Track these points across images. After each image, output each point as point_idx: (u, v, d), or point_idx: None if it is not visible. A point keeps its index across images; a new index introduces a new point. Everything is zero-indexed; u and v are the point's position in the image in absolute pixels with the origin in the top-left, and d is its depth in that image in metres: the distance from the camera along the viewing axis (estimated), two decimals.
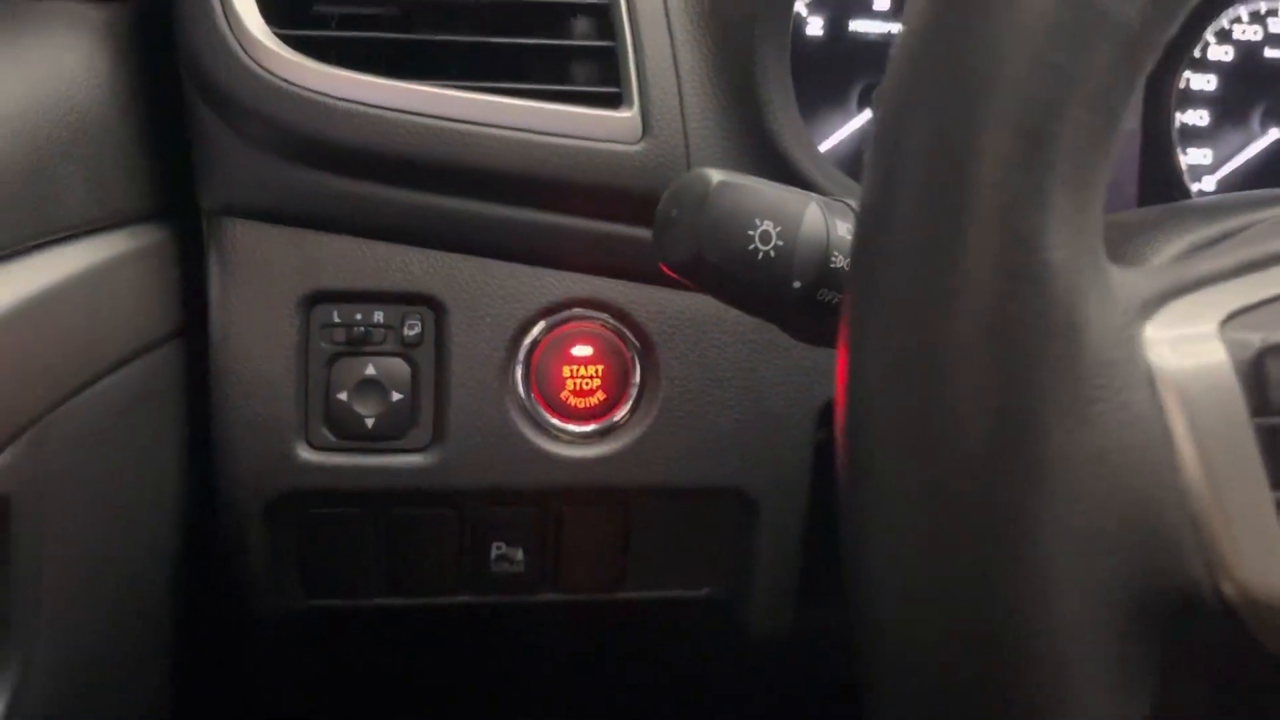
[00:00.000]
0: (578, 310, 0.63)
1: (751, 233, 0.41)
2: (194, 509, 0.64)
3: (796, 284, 0.41)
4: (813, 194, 0.43)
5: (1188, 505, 0.30)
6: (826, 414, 0.66)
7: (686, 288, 0.45)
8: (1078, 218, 0.29)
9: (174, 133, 0.61)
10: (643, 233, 0.59)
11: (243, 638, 0.71)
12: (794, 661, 0.77)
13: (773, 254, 0.41)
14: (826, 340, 0.40)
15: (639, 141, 0.61)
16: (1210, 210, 0.40)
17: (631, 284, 0.63)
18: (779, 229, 0.41)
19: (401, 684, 0.79)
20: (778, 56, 0.62)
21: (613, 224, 0.62)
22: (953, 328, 0.28)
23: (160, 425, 0.60)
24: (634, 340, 0.64)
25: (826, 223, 0.42)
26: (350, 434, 0.62)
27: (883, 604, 0.31)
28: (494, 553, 0.66)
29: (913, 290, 0.29)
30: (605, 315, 0.64)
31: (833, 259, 0.41)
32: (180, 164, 0.61)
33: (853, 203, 0.43)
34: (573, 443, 0.64)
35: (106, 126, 0.55)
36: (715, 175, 0.41)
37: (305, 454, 0.62)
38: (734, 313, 0.56)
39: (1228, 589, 0.30)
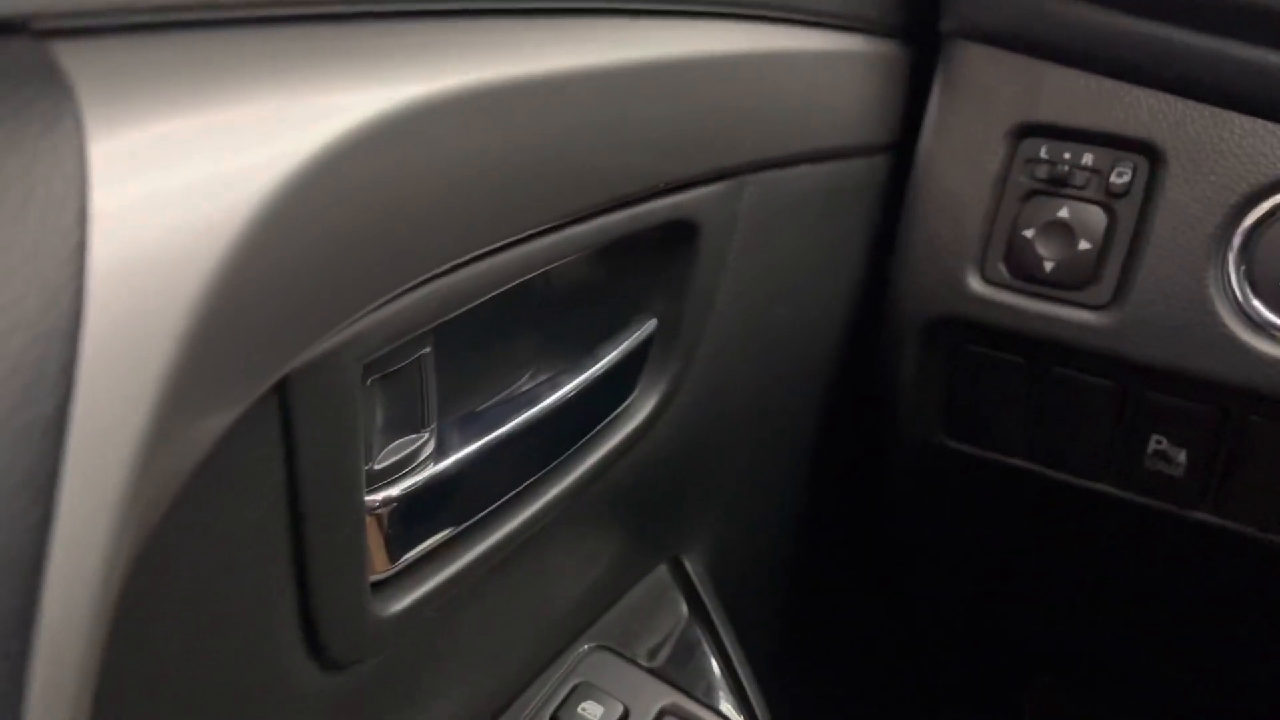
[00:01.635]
0: None
1: None
2: (856, 316, 0.67)
3: None
4: None
5: None
6: None
7: None
8: None
9: None
10: None
11: (880, 463, 0.74)
12: None
13: None
14: None
15: None
16: None
17: None
18: None
19: (1027, 559, 0.76)
20: None
21: None
22: None
23: (847, 227, 0.63)
24: None
25: None
26: (1026, 274, 0.59)
27: None
28: (1151, 446, 0.60)
29: None
30: None
31: None
32: None
33: None
34: None
35: None
36: None
37: (975, 283, 0.61)
38: None
39: None
